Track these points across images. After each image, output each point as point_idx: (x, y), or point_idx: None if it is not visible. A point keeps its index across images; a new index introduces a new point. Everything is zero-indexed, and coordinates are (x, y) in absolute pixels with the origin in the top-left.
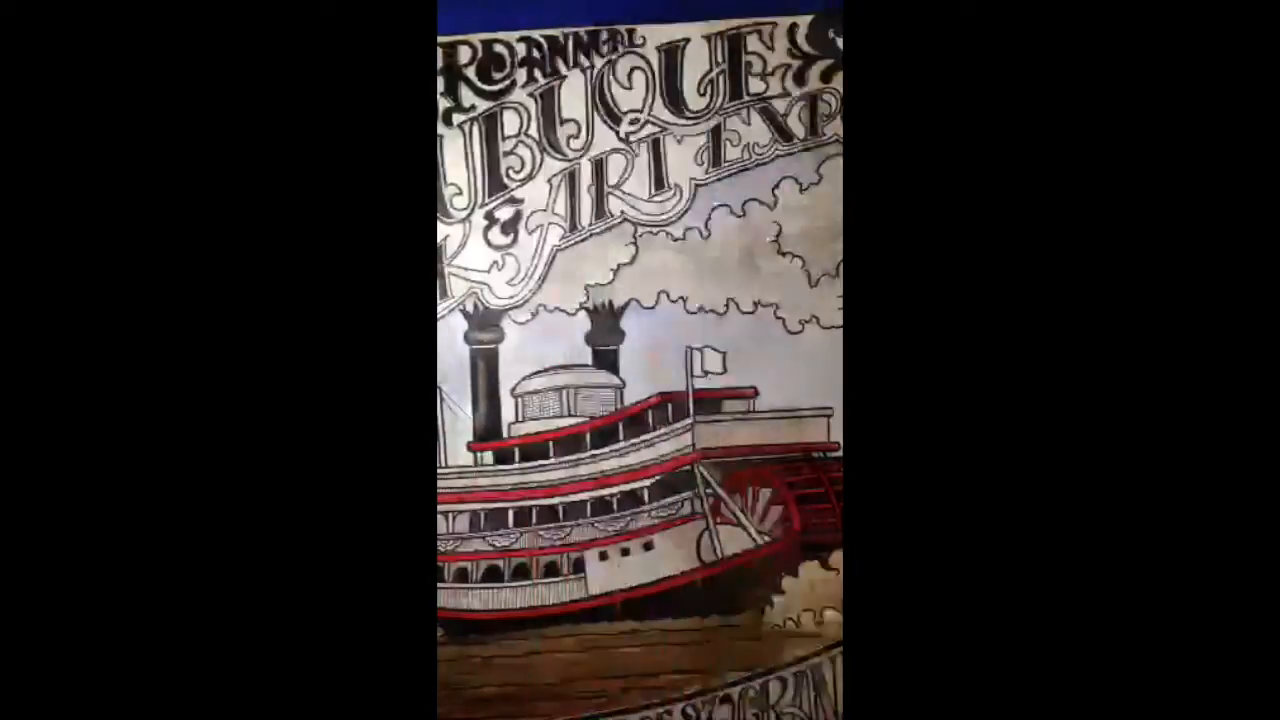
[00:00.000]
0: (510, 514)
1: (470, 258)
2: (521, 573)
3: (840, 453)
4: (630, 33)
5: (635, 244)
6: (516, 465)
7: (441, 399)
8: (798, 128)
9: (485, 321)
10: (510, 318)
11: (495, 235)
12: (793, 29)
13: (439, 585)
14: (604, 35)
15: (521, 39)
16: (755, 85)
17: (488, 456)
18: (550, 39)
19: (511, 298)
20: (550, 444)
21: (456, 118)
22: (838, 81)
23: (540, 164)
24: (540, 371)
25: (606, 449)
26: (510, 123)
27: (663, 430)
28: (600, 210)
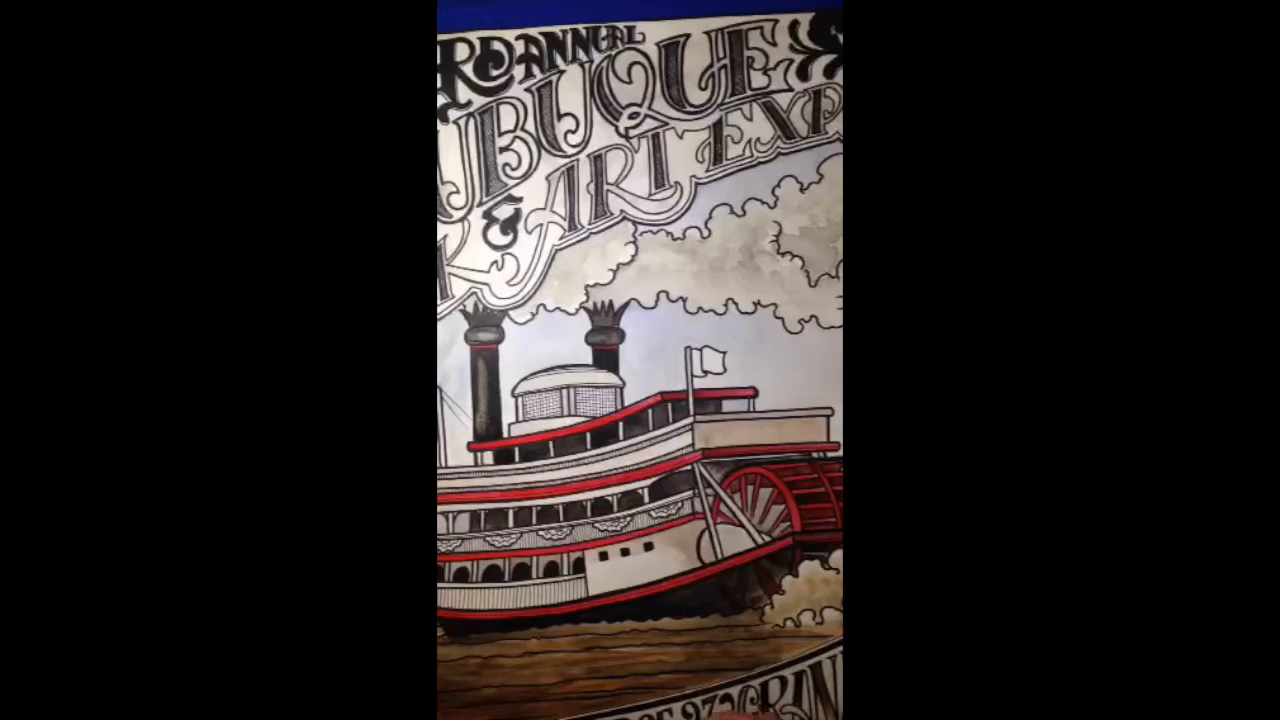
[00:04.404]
0: (510, 514)
1: (470, 257)
2: (521, 573)
3: (840, 453)
4: (630, 29)
5: (635, 243)
6: (516, 465)
7: (441, 399)
8: (800, 124)
9: (485, 321)
10: (510, 318)
11: (495, 235)
12: (794, 25)
13: (439, 585)
14: (603, 32)
15: (520, 36)
16: (757, 80)
17: (488, 456)
18: (549, 35)
19: (511, 298)
20: (550, 444)
21: (452, 114)
22: (841, 77)
23: (538, 160)
24: (540, 371)
25: (606, 449)
26: (506, 118)
27: (663, 430)
28: (600, 209)
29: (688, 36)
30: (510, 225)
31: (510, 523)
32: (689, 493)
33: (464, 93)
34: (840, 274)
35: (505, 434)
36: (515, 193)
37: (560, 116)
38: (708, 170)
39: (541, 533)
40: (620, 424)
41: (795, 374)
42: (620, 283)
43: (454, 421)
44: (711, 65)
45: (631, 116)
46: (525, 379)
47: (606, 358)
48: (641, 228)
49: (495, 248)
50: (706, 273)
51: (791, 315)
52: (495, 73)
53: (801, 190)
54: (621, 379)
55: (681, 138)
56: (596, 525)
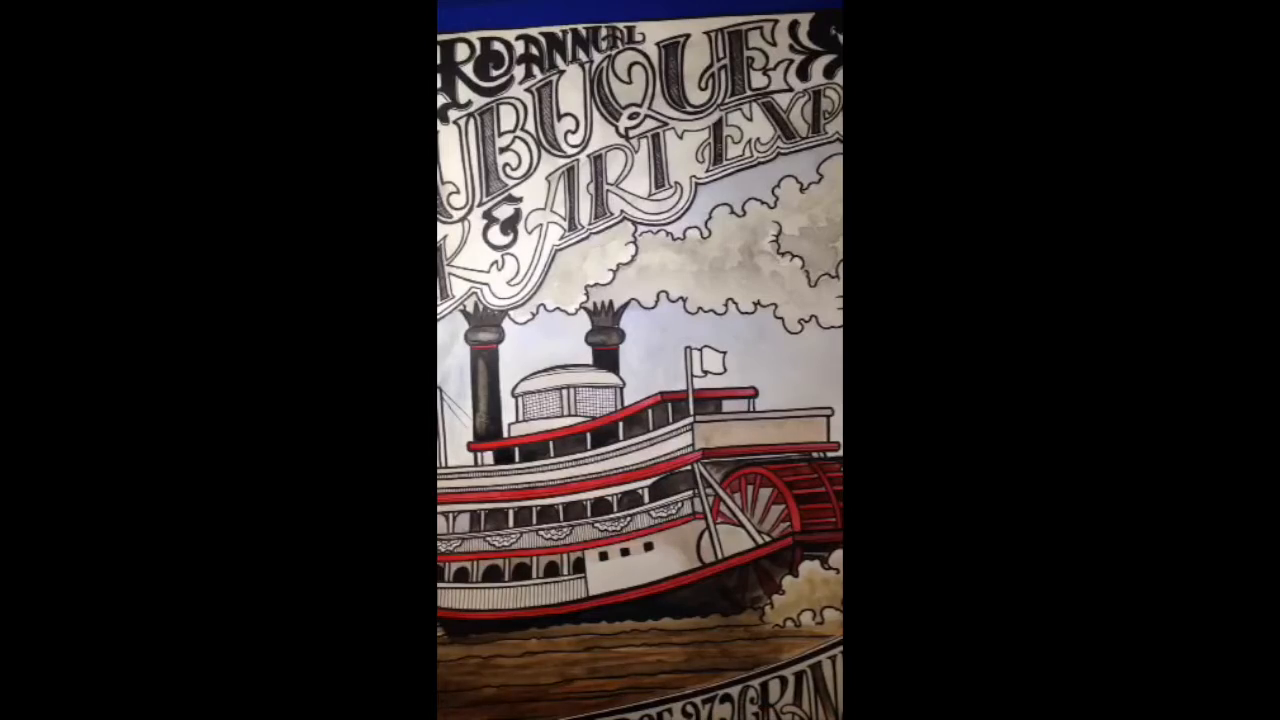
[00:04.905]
0: (510, 514)
1: (470, 258)
2: (521, 573)
3: (840, 453)
4: (630, 29)
5: (635, 243)
6: (516, 465)
7: (441, 399)
8: (800, 124)
9: (485, 321)
10: (510, 318)
11: (495, 235)
12: (794, 25)
13: (439, 585)
14: (603, 32)
15: (520, 36)
16: (757, 80)
17: (488, 456)
18: (549, 35)
19: (511, 298)
20: (550, 444)
21: (452, 114)
22: (840, 77)
23: (538, 161)
24: (540, 371)
25: (606, 449)
26: (506, 118)
27: (663, 430)
28: (600, 209)
29: (688, 36)
30: (510, 225)
31: (510, 523)
32: (689, 493)
33: (464, 93)
34: (840, 274)
35: (505, 434)
36: (515, 193)
37: (560, 116)
38: (708, 170)
39: (541, 533)
40: (620, 424)
41: (795, 374)
42: (620, 283)
43: (454, 421)
44: (711, 65)
45: (631, 116)
46: (525, 379)
47: (606, 358)
48: (641, 228)
49: (495, 248)
50: (706, 273)
51: (791, 315)
52: (495, 73)
53: (801, 190)
54: (621, 379)
55: (681, 138)
56: (596, 525)
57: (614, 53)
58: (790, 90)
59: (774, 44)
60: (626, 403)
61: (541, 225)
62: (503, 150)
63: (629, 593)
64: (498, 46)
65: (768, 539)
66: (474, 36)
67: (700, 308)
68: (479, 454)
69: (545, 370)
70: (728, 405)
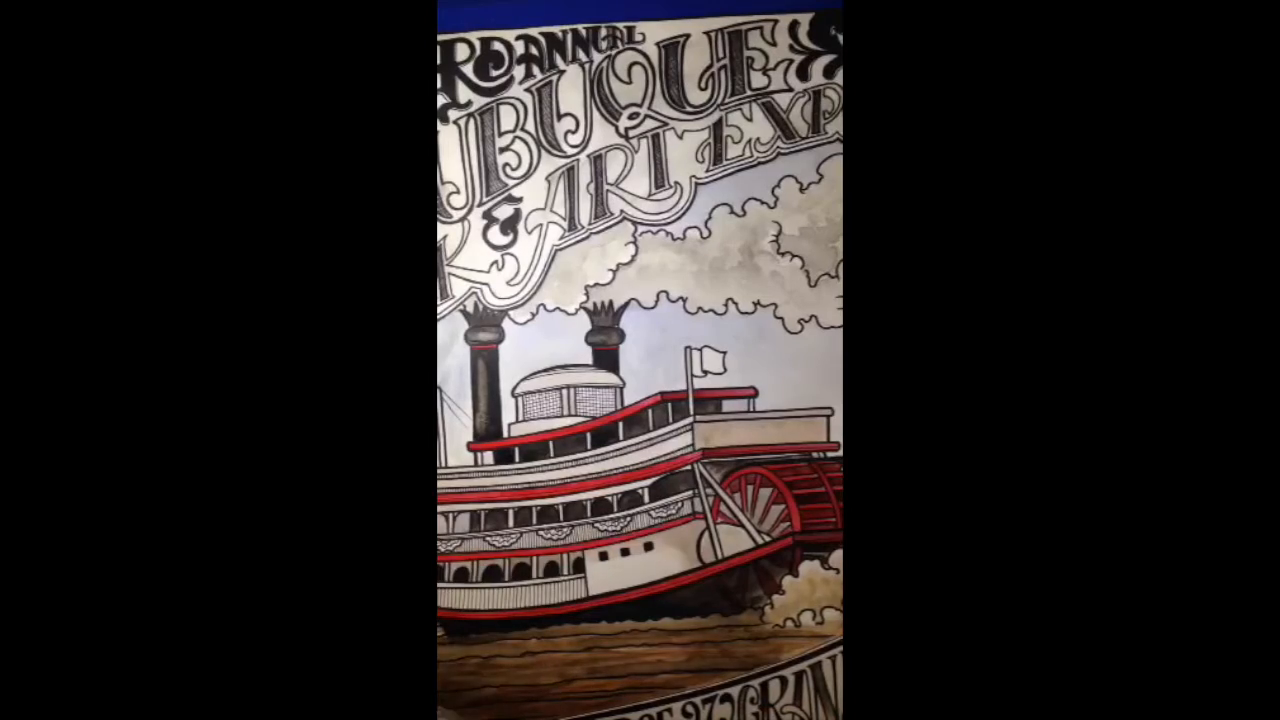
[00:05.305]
0: (510, 514)
1: (470, 258)
2: (521, 573)
3: (840, 453)
4: (630, 29)
5: (635, 243)
6: (516, 465)
7: (441, 399)
8: (800, 124)
9: (485, 321)
10: (510, 318)
11: (495, 235)
12: (794, 25)
13: (439, 585)
14: (603, 32)
15: (520, 36)
16: (757, 80)
17: (488, 456)
18: (549, 35)
19: (511, 298)
20: (550, 444)
21: (452, 114)
22: (840, 77)
23: (538, 161)
24: (540, 371)
25: (606, 449)
26: (506, 118)
27: (663, 430)
28: (600, 209)
29: (688, 36)
30: (510, 225)
31: (510, 523)
32: (689, 493)
33: (464, 93)
34: (840, 274)
35: (505, 434)
36: (515, 193)
37: (560, 116)
38: (708, 170)
39: (541, 533)
40: (620, 424)
41: (795, 374)
42: (620, 283)
43: (454, 421)
44: (711, 65)
45: (631, 116)
46: (525, 379)
47: (606, 358)
48: (641, 228)
49: (495, 248)
50: (706, 273)
51: (791, 315)
52: (495, 73)
53: (801, 190)
54: (621, 379)
55: (681, 138)
56: (596, 525)
57: (614, 53)
58: (790, 90)
59: (774, 44)
60: (626, 403)
61: (541, 225)
62: (503, 150)
63: (629, 593)
64: (498, 46)
65: (768, 539)
66: (474, 36)
67: (700, 308)
68: (479, 454)
69: (545, 370)
70: (728, 405)
